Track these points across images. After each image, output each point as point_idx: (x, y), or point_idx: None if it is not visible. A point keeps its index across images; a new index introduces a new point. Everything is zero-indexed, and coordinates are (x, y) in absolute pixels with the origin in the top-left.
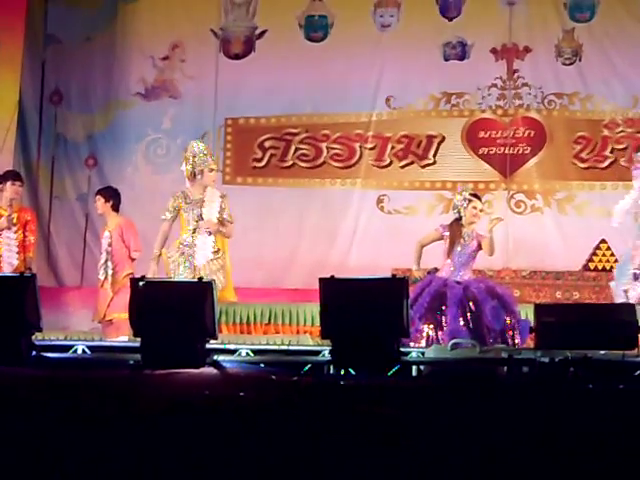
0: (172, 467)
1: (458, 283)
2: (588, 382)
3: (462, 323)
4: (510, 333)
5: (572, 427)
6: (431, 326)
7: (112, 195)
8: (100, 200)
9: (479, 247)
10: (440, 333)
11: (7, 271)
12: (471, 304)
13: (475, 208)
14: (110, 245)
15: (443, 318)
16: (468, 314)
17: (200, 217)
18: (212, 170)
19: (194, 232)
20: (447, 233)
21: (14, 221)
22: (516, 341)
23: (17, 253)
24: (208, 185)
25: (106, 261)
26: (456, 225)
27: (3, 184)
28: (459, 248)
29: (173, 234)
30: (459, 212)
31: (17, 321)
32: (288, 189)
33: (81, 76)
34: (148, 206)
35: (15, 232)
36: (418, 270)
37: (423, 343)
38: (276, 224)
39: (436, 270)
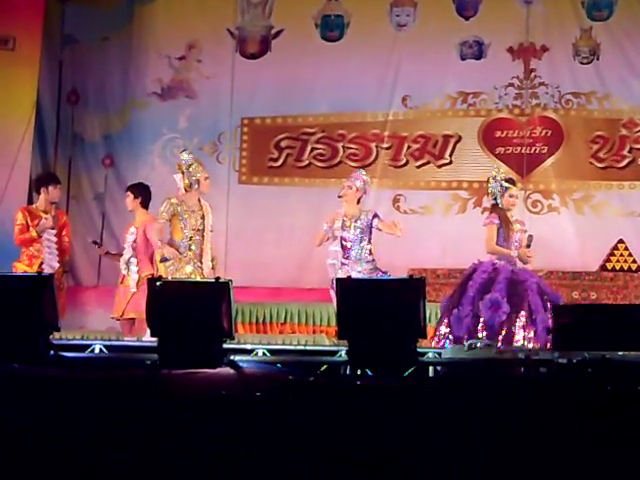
0: (189, 465)
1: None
2: (606, 383)
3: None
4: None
5: (590, 428)
6: (521, 321)
7: (142, 191)
8: (130, 196)
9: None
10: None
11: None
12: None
13: (512, 196)
14: (135, 241)
15: (525, 307)
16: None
17: (199, 226)
18: (207, 178)
19: (190, 239)
20: (497, 220)
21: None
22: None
23: (57, 256)
24: (204, 192)
25: (130, 257)
26: (501, 211)
27: (45, 187)
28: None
29: None
30: (496, 199)
31: (35, 321)
32: (304, 189)
33: (98, 76)
34: None
35: (55, 235)
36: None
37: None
38: (292, 224)
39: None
